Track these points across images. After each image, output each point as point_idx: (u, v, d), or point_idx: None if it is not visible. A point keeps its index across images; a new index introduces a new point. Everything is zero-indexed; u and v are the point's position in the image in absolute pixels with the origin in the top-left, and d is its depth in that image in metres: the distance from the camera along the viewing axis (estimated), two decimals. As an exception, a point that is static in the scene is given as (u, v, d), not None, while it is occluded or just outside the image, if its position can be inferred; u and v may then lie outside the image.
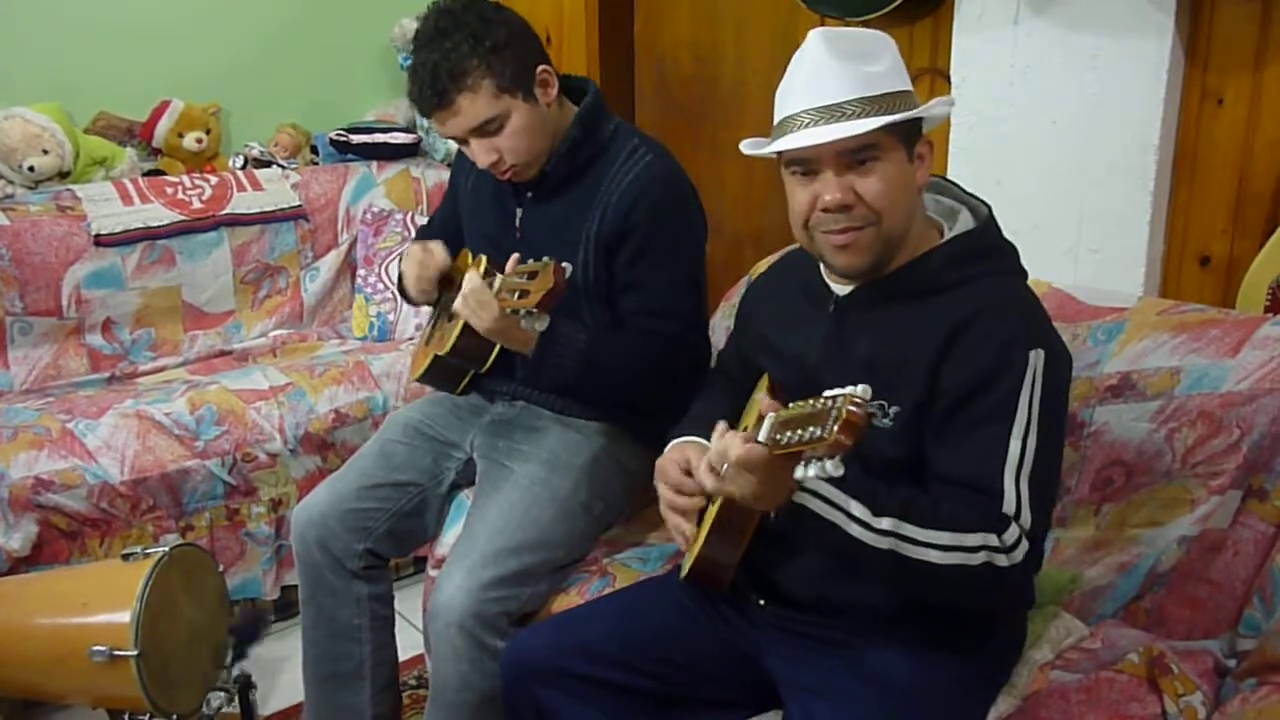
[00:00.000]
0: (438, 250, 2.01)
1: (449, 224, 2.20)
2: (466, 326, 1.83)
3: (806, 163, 1.41)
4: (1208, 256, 2.11)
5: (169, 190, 3.00)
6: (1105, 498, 1.76)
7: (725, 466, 1.31)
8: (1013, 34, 2.19)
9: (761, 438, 1.23)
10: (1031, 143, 2.20)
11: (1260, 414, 1.62)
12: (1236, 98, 2.01)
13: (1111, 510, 1.75)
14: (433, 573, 2.05)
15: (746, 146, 1.50)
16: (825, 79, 1.38)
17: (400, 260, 2.14)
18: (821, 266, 1.55)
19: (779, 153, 1.45)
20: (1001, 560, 1.32)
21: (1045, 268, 1.93)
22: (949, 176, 1.65)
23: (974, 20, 2.25)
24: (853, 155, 1.38)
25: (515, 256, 1.76)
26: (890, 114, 1.37)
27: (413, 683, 2.44)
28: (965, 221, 1.51)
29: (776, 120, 1.44)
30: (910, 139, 1.42)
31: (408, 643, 2.24)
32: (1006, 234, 1.53)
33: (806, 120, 1.38)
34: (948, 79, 2.33)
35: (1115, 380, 1.77)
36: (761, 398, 1.33)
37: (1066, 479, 1.77)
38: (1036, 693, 1.53)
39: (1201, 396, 1.68)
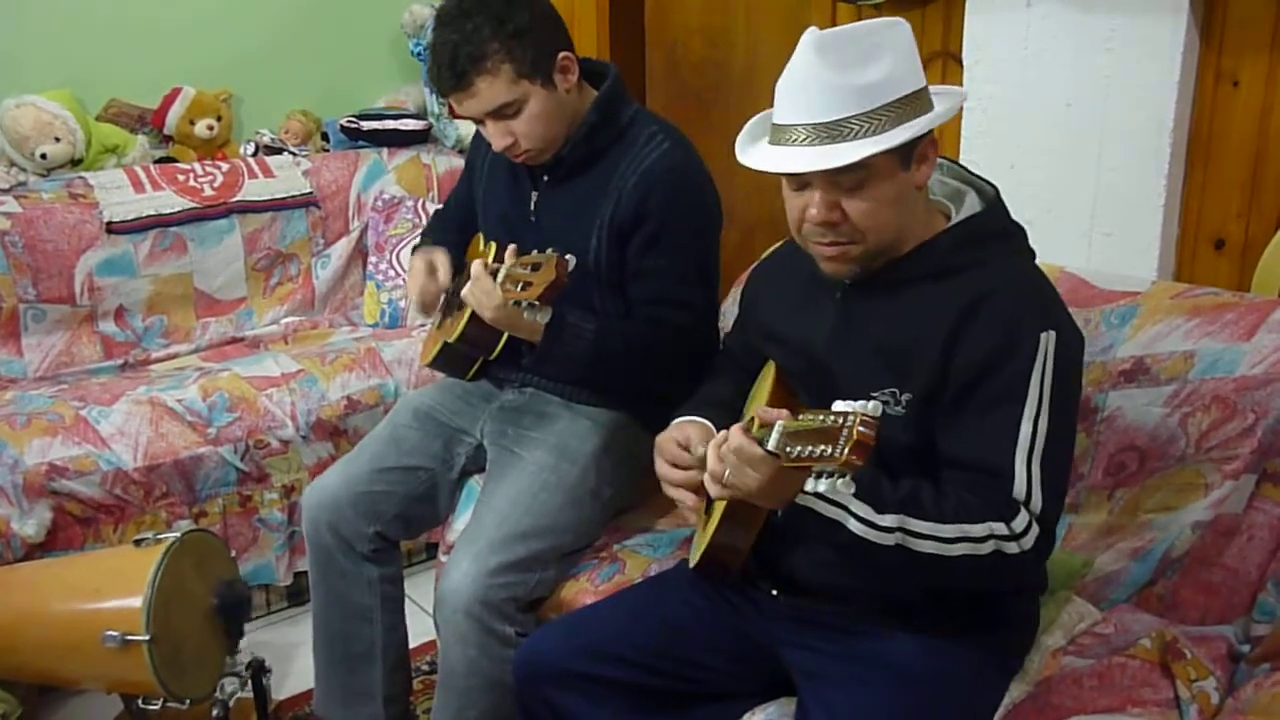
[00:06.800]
0: (441, 275, 2.00)
1: (464, 205, 2.20)
2: (475, 314, 1.83)
3: (797, 176, 1.39)
4: (1222, 240, 2.09)
5: (180, 177, 3.01)
6: (1118, 483, 1.75)
7: (727, 473, 1.31)
8: (1026, 16, 2.18)
9: (771, 446, 1.22)
10: (1045, 126, 2.19)
11: (1275, 398, 1.61)
12: (1252, 79, 2.00)
13: (1125, 495, 1.74)
14: (444, 558, 2.06)
15: (740, 153, 1.45)
16: (818, 92, 1.33)
17: (412, 252, 2.14)
18: None
19: None
20: (1011, 548, 1.32)
21: (1058, 252, 1.92)
22: (961, 161, 1.63)
23: (987, 2, 2.23)
24: (841, 175, 1.35)
25: (513, 248, 1.77)
26: (887, 129, 1.33)
27: (425, 668, 2.45)
28: (972, 203, 1.49)
29: (773, 120, 1.40)
30: (907, 148, 1.38)
31: (421, 628, 2.24)
32: (1020, 218, 1.51)
33: (799, 136, 1.35)
34: (960, 62, 2.31)
35: (1129, 365, 1.76)
36: (762, 410, 1.31)
37: (1080, 464, 1.76)
38: (1048, 678, 1.53)
39: (1216, 381, 1.67)
